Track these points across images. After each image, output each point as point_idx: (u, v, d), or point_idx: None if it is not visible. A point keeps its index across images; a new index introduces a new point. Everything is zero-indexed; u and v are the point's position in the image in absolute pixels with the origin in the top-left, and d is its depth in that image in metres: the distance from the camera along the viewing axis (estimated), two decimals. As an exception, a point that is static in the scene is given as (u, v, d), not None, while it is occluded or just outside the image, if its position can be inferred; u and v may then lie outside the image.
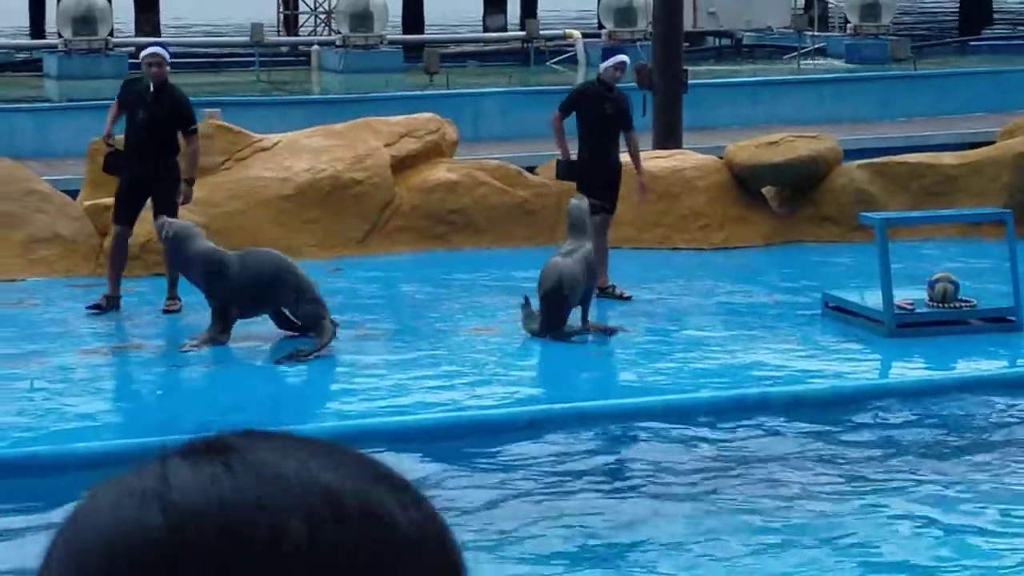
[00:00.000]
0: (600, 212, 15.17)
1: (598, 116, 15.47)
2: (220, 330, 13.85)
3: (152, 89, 15.08)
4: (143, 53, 15.89)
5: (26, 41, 44.55)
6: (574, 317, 14.26)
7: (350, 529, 0.90)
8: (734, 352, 14.00)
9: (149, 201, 14.96)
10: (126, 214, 15.13)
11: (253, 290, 13.96)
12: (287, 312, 13.98)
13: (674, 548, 9.83)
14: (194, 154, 15.21)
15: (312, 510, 0.89)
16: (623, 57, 16.21)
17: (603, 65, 16.01)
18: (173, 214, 14.53)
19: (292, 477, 0.90)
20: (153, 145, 14.97)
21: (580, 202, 14.83)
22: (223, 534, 0.88)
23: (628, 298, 15.46)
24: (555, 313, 14.35)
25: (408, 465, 10.98)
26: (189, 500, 0.89)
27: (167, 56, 15.63)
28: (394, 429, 11.56)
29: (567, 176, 15.87)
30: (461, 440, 11.52)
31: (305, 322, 13.85)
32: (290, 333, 14.00)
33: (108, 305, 15.01)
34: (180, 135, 15.15)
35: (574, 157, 15.68)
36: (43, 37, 45.59)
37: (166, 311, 15.02)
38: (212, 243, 14.32)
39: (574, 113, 15.69)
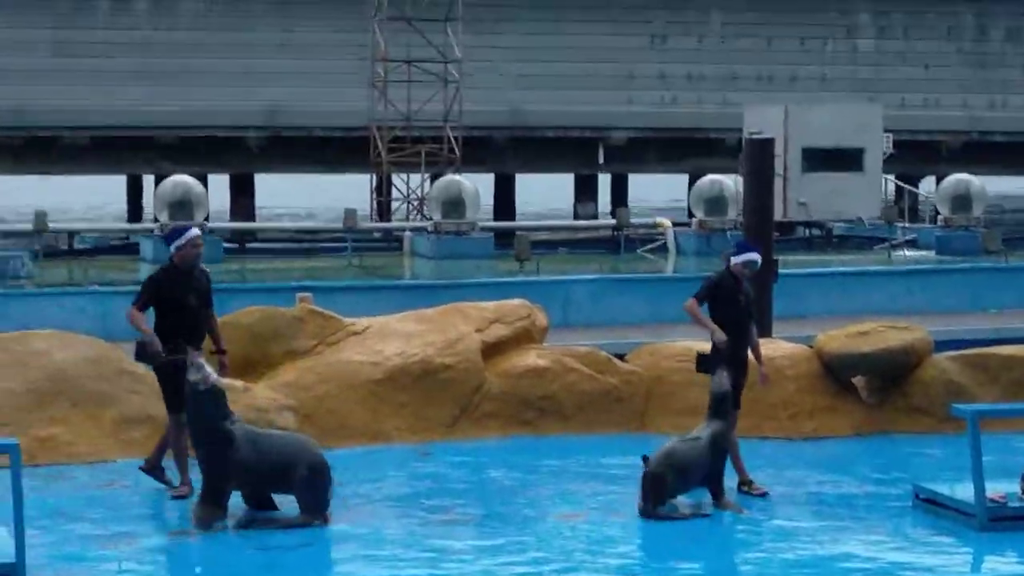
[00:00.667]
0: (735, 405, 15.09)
1: (734, 307, 15.32)
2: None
3: (181, 270, 15.15)
4: (189, 233, 15.54)
5: (124, 225, 45.16)
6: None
7: None
8: (823, 543, 13.90)
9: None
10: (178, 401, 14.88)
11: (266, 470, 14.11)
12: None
13: None
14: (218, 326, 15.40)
15: None
16: (755, 256, 15.82)
17: (733, 260, 15.59)
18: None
19: None
20: (197, 323, 15.06)
21: (721, 379, 14.73)
22: None
23: (765, 494, 15.24)
24: (654, 493, 14.42)
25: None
26: None
27: (199, 237, 15.52)
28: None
29: (706, 369, 15.47)
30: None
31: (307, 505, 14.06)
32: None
33: (189, 492, 14.94)
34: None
35: (722, 346, 15.21)
36: (140, 221, 46.15)
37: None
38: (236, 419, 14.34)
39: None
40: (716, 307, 15.30)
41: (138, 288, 15.65)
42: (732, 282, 15.40)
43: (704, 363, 15.51)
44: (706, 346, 15.79)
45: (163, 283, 15.16)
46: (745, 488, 15.26)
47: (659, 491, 14.40)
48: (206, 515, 13.87)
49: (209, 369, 14.11)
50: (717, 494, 14.70)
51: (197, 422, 13.99)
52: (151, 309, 15.16)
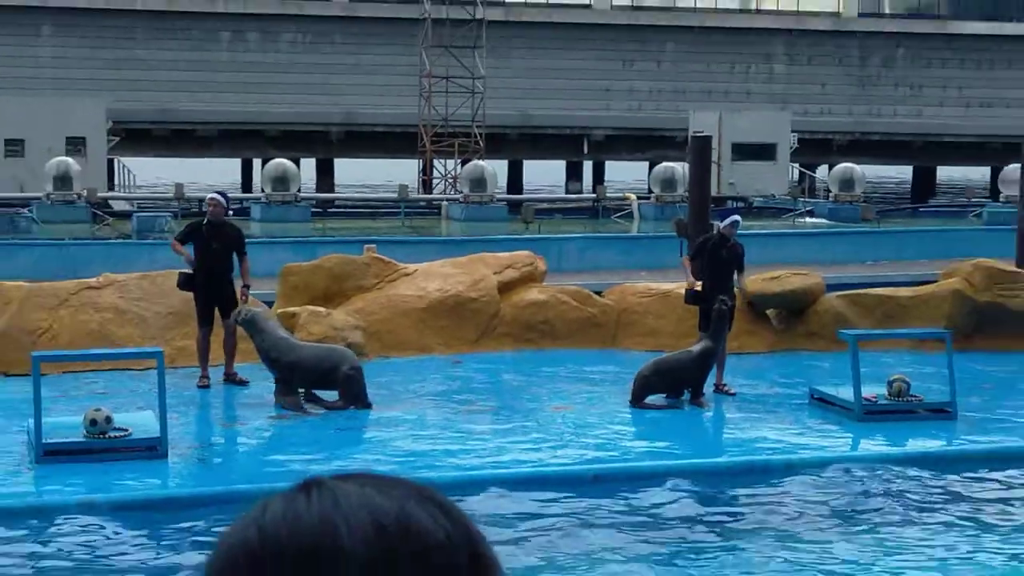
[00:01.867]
0: (728, 323, 14.94)
1: (717, 260, 15.19)
2: (284, 394, 14.09)
3: (211, 224, 15.23)
4: (209, 197, 16.13)
5: (239, 194, 45.09)
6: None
7: (386, 536, 0.91)
8: (745, 429, 13.93)
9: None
10: (209, 317, 15.15)
11: (313, 372, 14.15)
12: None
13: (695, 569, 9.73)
14: (247, 269, 15.21)
15: (361, 523, 0.91)
16: (736, 217, 15.85)
17: (722, 224, 15.56)
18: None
19: (352, 500, 0.93)
20: (218, 266, 15.10)
21: (720, 304, 14.57)
22: (294, 543, 0.91)
23: (733, 394, 15.18)
24: (638, 391, 14.46)
25: (504, 505, 10.98)
26: (274, 521, 0.94)
27: (223, 200, 15.67)
28: (496, 479, 11.54)
29: (693, 302, 15.45)
30: (544, 488, 11.48)
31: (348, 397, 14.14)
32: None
33: (206, 384, 15.12)
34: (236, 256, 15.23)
35: (698, 288, 15.25)
36: (251, 191, 46.10)
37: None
38: (282, 331, 14.52)
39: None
40: (702, 258, 15.29)
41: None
42: (717, 240, 15.28)
43: (691, 298, 15.48)
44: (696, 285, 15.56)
45: (197, 229, 15.40)
46: (722, 388, 15.25)
47: (642, 390, 14.44)
48: (291, 402, 13.94)
49: (246, 308, 14.35)
50: (696, 395, 14.70)
51: (258, 342, 14.06)
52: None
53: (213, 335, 15.21)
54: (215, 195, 15.85)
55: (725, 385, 15.29)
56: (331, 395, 14.30)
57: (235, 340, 15.13)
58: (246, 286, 15.02)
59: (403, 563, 0.90)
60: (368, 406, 14.10)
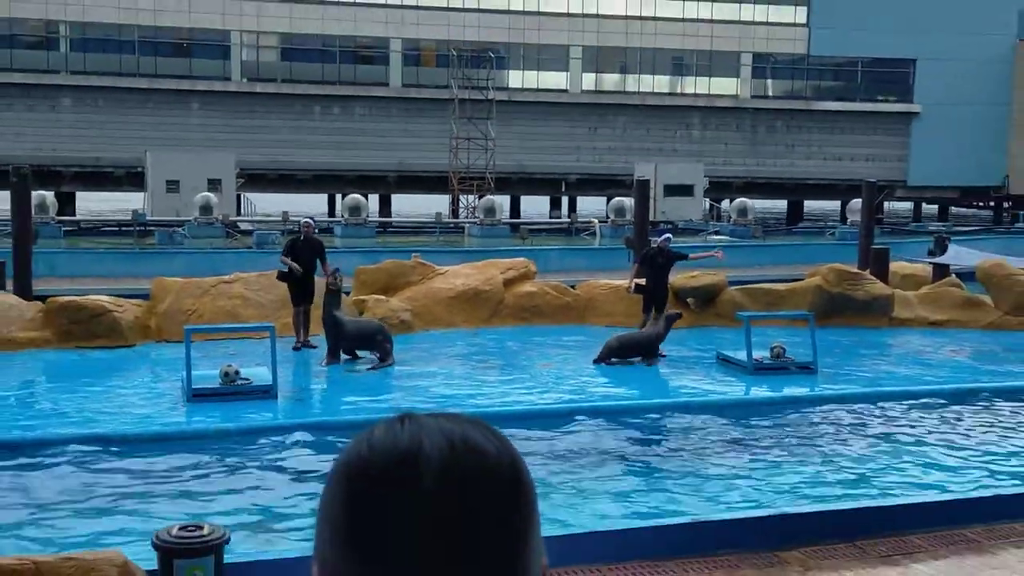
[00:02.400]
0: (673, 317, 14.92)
1: (656, 265, 15.29)
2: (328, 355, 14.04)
3: (304, 239, 15.30)
4: (303, 220, 16.15)
5: (325, 219, 45.03)
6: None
7: (454, 447, 0.92)
8: (671, 379, 13.92)
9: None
10: (300, 300, 15.27)
11: (357, 339, 14.18)
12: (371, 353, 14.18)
13: (635, 490, 9.71)
14: (328, 268, 14.93)
15: (437, 440, 0.92)
16: (668, 235, 16.01)
17: (658, 240, 15.65)
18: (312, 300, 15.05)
19: (431, 427, 0.93)
20: (307, 267, 15.12)
21: (674, 313, 14.90)
22: (393, 451, 0.92)
23: (664, 356, 15.05)
24: (605, 354, 14.55)
25: (508, 431, 10.94)
26: (379, 438, 0.94)
27: (312, 223, 15.89)
28: (502, 415, 11.48)
29: (637, 291, 15.60)
30: (534, 420, 11.47)
31: (382, 355, 14.04)
32: (345, 358, 14.28)
33: (303, 347, 15.18)
34: (319, 262, 15.19)
35: (642, 283, 15.43)
36: (334, 217, 46.11)
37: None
38: (343, 312, 14.42)
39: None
40: (645, 264, 15.42)
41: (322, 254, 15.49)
42: (655, 251, 15.37)
43: (638, 290, 15.57)
44: (640, 283, 15.71)
45: (295, 243, 15.42)
46: (660, 353, 15.15)
47: (608, 353, 14.48)
48: (330, 362, 13.97)
49: (340, 275, 14.33)
50: (650, 359, 14.70)
51: (324, 313, 14.08)
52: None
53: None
54: (307, 219, 16.17)
55: (662, 352, 15.29)
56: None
57: (310, 319, 15.18)
58: (336, 269, 14.87)
59: (465, 465, 0.92)
60: (392, 363, 14.05)
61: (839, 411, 12.29)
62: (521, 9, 50.30)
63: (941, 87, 53.34)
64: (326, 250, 15.60)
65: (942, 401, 12.67)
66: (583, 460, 10.15)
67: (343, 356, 14.30)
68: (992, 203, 57.14)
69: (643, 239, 23.15)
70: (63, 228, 34.36)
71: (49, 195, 35.35)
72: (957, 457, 10.51)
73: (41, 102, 45.70)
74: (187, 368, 12.10)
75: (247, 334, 15.08)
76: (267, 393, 12.09)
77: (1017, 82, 53.96)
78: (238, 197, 43.30)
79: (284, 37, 48.14)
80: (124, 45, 46.20)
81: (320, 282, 15.01)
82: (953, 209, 60.48)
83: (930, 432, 11.45)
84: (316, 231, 15.97)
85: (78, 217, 42.98)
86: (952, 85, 53.27)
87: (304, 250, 15.20)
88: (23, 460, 9.71)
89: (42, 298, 16.46)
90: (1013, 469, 10.10)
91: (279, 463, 9.92)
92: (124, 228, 36.11)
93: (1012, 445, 10.98)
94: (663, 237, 15.53)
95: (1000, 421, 11.99)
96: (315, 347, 15.14)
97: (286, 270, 15.23)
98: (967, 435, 11.36)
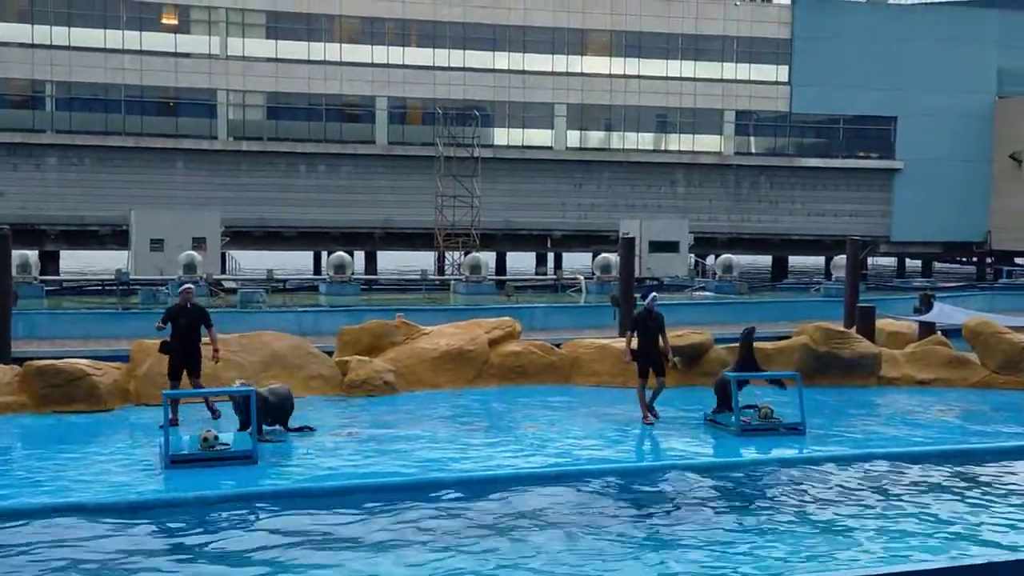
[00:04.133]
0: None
1: (646, 329, 14.63)
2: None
3: (188, 305, 13.91)
4: (183, 286, 14.32)
5: (310, 276, 44.95)
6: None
7: None
8: (659, 440, 13.72)
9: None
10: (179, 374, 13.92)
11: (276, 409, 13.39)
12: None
13: (633, 550, 9.49)
14: (215, 335, 14.08)
15: None
16: (654, 293, 15.29)
17: (646, 302, 14.85)
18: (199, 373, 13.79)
19: None
20: (188, 336, 13.87)
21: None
22: None
23: (658, 418, 14.80)
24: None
25: (492, 495, 10.74)
26: None
27: (193, 288, 14.24)
28: (486, 479, 11.33)
29: (633, 359, 14.97)
30: (520, 483, 11.27)
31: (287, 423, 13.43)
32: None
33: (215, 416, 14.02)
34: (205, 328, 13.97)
35: (635, 347, 14.77)
36: (319, 274, 45.96)
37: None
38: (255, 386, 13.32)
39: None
40: (636, 329, 14.74)
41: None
42: (645, 314, 14.68)
43: (633, 355, 14.98)
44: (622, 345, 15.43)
45: (171, 311, 14.05)
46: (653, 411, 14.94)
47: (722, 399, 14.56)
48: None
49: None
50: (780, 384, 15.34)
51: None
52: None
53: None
54: (187, 285, 14.35)
55: (654, 412, 15.02)
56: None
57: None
58: (216, 351, 13.92)
59: None
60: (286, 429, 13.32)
61: (831, 472, 12.10)
62: (506, 68, 50.74)
63: (922, 144, 53.89)
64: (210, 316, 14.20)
65: (933, 463, 12.52)
66: (566, 522, 9.93)
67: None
68: (975, 258, 57.48)
69: (629, 296, 23.05)
70: (46, 288, 34.11)
71: (32, 255, 35.20)
72: (949, 521, 10.33)
73: (26, 161, 45.67)
74: (165, 434, 11.85)
75: (227, 397, 14.84)
76: (248, 459, 11.84)
77: (998, 138, 54.57)
78: (223, 255, 43.18)
79: (270, 96, 48.37)
80: (110, 104, 46.33)
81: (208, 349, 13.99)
82: (936, 264, 60.78)
83: (924, 494, 11.28)
84: (187, 296, 14.03)
85: (61, 277, 42.76)
86: (933, 142, 53.83)
87: (183, 317, 13.85)
88: (-6, 532, 9.43)
89: (20, 361, 16.20)
90: (1008, 536, 9.92)
91: (257, 531, 9.66)
92: (107, 287, 35.87)
93: (1009, 508, 10.81)
94: (649, 297, 15.09)
95: (993, 483, 11.83)
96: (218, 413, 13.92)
97: (168, 339, 13.90)
98: (960, 497, 11.19)
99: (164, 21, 46.86)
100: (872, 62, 53.16)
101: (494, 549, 9.27)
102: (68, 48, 45.48)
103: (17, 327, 19.10)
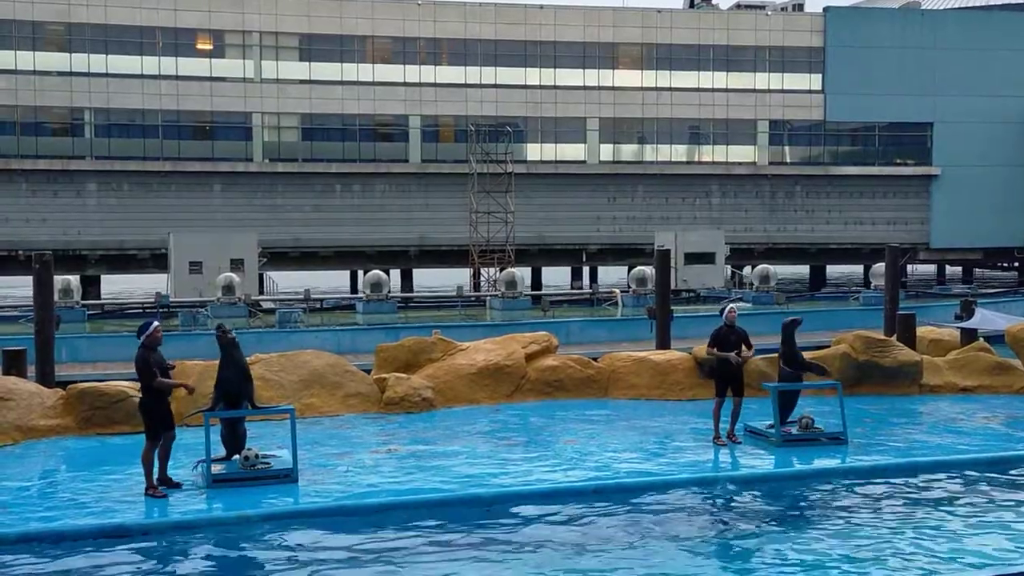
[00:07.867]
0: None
1: (727, 344, 13.86)
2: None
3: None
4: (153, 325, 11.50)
5: (347, 294, 45.19)
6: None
7: None
8: (700, 453, 13.61)
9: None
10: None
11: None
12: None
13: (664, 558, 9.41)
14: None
15: None
16: (733, 305, 14.45)
17: (723, 314, 14.03)
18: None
19: None
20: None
21: (788, 321, 14.60)
22: None
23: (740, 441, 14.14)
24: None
25: (531, 510, 10.70)
26: None
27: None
28: (526, 493, 11.30)
29: (708, 376, 14.10)
30: (559, 499, 11.23)
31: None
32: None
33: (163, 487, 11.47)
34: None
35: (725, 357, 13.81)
36: (356, 292, 46.18)
37: None
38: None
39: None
40: (719, 344, 13.95)
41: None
42: (725, 328, 13.95)
43: (705, 374, 14.37)
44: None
45: (156, 361, 11.33)
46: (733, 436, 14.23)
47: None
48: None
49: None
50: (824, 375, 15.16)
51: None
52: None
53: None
54: (156, 323, 11.65)
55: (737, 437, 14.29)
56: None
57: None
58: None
59: None
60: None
61: (874, 483, 11.96)
62: (538, 83, 50.82)
63: (960, 149, 53.31)
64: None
65: (979, 471, 12.34)
66: (607, 537, 9.86)
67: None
68: (1016, 263, 56.70)
69: (665, 308, 22.92)
70: (87, 312, 34.52)
71: (74, 279, 35.62)
72: (1000, 529, 10.16)
73: (66, 187, 46.30)
74: (207, 453, 11.93)
75: (267, 417, 14.90)
76: (288, 477, 11.89)
77: (1035, 142, 53.86)
78: (260, 276, 43.51)
79: (304, 117, 48.74)
80: (148, 129, 46.89)
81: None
82: (977, 270, 60.01)
83: (972, 503, 11.11)
84: (158, 337, 11.52)
85: (102, 300, 43.26)
86: (971, 147, 53.24)
87: (155, 362, 11.38)
88: (39, 553, 9.52)
89: (64, 384, 16.39)
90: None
91: (300, 549, 9.68)
92: (148, 311, 36.25)
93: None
94: (728, 308, 14.21)
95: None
96: (179, 485, 11.68)
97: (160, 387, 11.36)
98: (1008, 506, 11.01)
99: (199, 47, 47.41)
100: (906, 68, 52.72)
101: (546, 563, 9.23)
102: (106, 75, 46.12)
103: (61, 351, 19.34)
